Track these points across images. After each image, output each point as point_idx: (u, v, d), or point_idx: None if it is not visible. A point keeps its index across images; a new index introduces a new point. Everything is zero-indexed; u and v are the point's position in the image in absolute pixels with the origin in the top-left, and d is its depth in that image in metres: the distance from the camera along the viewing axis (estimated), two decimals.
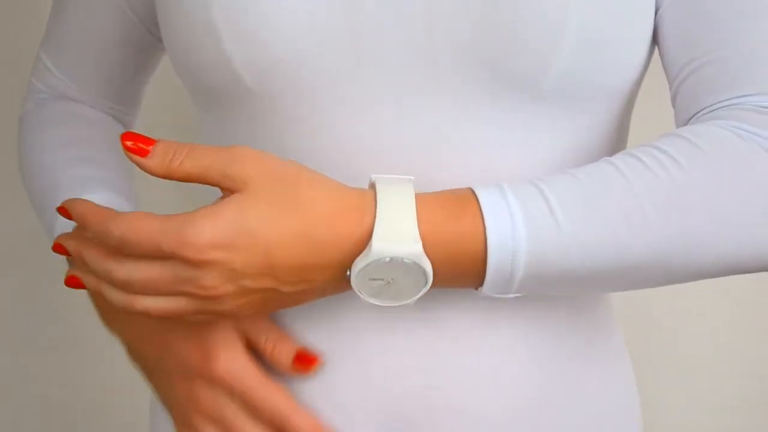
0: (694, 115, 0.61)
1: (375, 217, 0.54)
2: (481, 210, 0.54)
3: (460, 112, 0.60)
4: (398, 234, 0.53)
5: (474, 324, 0.62)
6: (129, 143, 0.55)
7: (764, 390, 1.36)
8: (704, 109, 0.61)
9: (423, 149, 0.60)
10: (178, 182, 0.55)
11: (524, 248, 0.54)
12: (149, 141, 0.55)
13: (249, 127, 0.62)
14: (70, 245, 0.59)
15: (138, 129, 1.27)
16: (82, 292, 0.63)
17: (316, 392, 0.62)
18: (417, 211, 0.54)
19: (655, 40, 0.64)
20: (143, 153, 0.55)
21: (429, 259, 0.54)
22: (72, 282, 0.60)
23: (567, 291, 0.57)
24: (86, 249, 0.58)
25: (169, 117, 1.23)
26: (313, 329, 0.63)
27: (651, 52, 0.65)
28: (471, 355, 0.62)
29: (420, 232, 0.54)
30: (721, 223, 0.55)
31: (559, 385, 0.64)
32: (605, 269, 0.55)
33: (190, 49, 0.62)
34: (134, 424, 1.29)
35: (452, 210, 0.55)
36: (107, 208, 0.57)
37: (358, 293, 0.55)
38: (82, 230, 0.59)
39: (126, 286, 0.55)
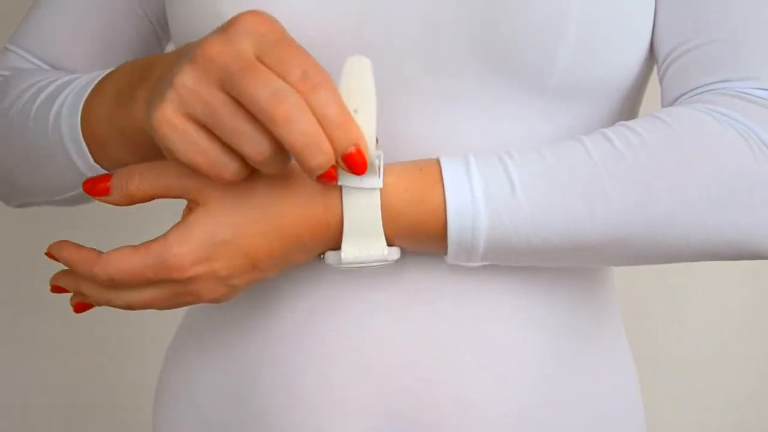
0: (678, 98, 0.61)
1: (341, 223, 0.56)
2: (443, 186, 0.56)
3: (463, 106, 0.60)
4: (366, 242, 0.56)
5: (479, 317, 0.62)
6: (89, 188, 0.58)
7: (765, 388, 1.37)
8: (688, 92, 0.61)
9: (426, 142, 0.60)
10: None
11: (484, 224, 0.55)
12: (105, 178, 0.58)
13: None
14: (68, 284, 0.62)
15: None
16: None
17: (314, 385, 0.63)
18: (381, 200, 0.56)
19: None
20: (105, 191, 0.58)
21: (394, 236, 0.57)
22: (79, 308, 0.63)
23: (532, 263, 0.59)
24: (83, 285, 0.60)
25: None
26: (315, 321, 0.63)
27: (646, 47, 0.65)
28: (475, 349, 0.62)
29: (383, 219, 0.56)
30: (685, 204, 0.55)
31: (563, 381, 0.64)
32: (565, 246, 0.56)
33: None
34: (135, 424, 1.29)
35: (416, 192, 0.56)
36: (88, 249, 0.58)
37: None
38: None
39: (129, 308, 0.59)
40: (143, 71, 0.60)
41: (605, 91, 0.62)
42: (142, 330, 1.32)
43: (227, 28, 0.52)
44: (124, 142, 0.62)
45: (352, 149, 0.52)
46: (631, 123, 0.58)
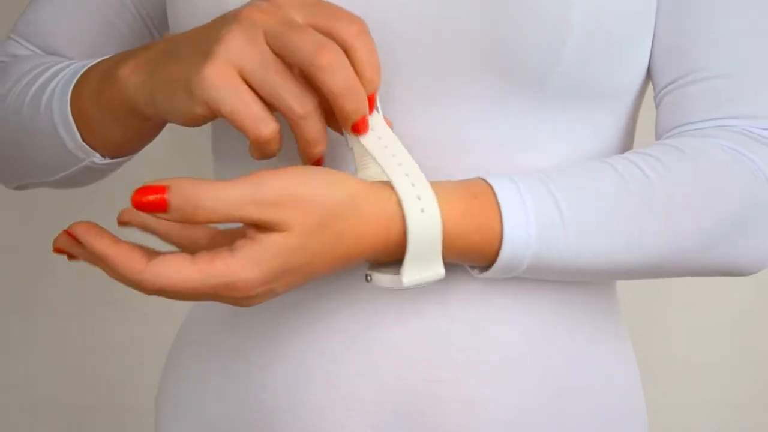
0: (678, 127, 0.64)
1: (406, 249, 0.55)
2: (501, 216, 0.57)
3: (464, 108, 0.60)
4: (424, 265, 0.56)
5: (485, 318, 0.62)
6: (139, 202, 0.51)
7: (767, 390, 1.36)
8: (691, 123, 0.63)
9: (429, 142, 0.60)
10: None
11: (532, 251, 0.57)
12: (157, 189, 0.52)
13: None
14: (79, 254, 0.57)
15: None
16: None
17: (321, 384, 0.62)
18: (442, 226, 0.56)
19: None
20: (162, 207, 0.51)
21: (444, 257, 0.56)
22: (72, 258, 0.58)
23: (560, 279, 0.61)
24: (111, 272, 0.55)
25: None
26: (321, 321, 0.63)
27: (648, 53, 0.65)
28: (481, 349, 0.62)
29: (443, 242, 0.56)
30: (710, 232, 0.60)
31: (567, 381, 0.64)
32: (599, 271, 0.59)
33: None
34: (135, 424, 1.29)
35: (473, 220, 0.57)
36: (129, 247, 0.53)
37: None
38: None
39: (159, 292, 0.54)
40: (129, 51, 0.62)
41: (605, 95, 0.63)
42: (143, 330, 1.32)
43: None
44: (110, 119, 0.62)
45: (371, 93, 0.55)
46: (655, 152, 0.61)
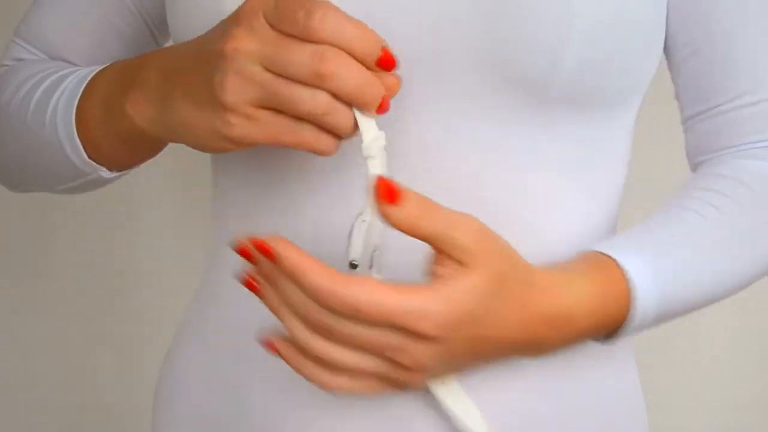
0: (724, 149, 0.68)
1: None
2: (634, 307, 0.60)
3: (464, 113, 0.60)
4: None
5: None
6: (381, 187, 0.52)
7: (766, 389, 1.36)
8: (739, 146, 0.67)
9: (428, 143, 0.60)
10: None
11: (654, 314, 0.61)
12: (397, 191, 0.52)
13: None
14: (260, 275, 0.55)
15: None
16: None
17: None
18: (569, 319, 0.58)
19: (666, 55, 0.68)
20: (394, 197, 0.52)
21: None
22: (248, 285, 0.56)
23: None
24: (288, 290, 0.54)
25: None
26: None
27: (657, 63, 0.66)
28: None
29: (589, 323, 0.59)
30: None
31: (566, 385, 0.64)
32: (691, 309, 0.65)
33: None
34: (135, 424, 1.29)
35: (602, 319, 0.59)
36: (318, 264, 0.52)
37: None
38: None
39: (325, 335, 0.53)
40: (131, 73, 0.62)
41: (607, 99, 0.63)
42: (143, 330, 1.32)
43: (239, 17, 0.54)
44: (117, 144, 0.64)
45: (380, 52, 0.54)
46: (725, 189, 0.65)
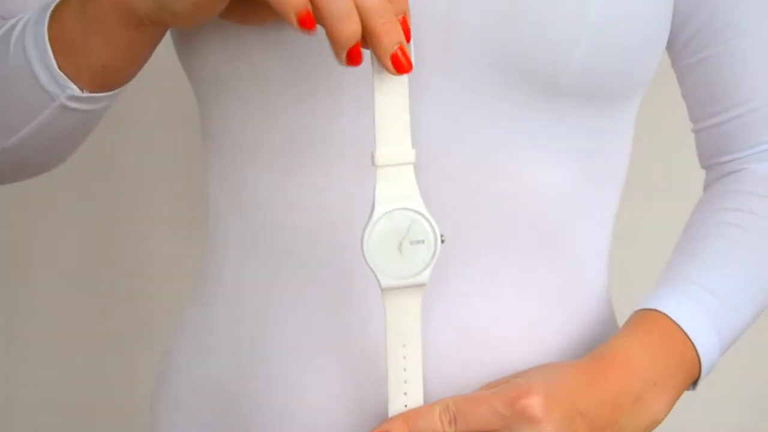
0: (735, 152, 0.70)
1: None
2: (691, 341, 0.64)
3: (475, 106, 0.60)
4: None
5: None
6: None
7: (766, 389, 1.36)
8: (747, 149, 0.69)
9: (438, 137, 0.60)
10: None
11: (719, 351, 0.66)
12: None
13: (262, 114, 0.63)
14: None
15: (139, 127, 1.27)
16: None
17: (319, 380, 0.62)
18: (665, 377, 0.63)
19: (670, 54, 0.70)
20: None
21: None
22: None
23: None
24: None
25: (169, 118, 1.23)
26: (316, 326, 0.63)
27: (660, 56, 0.66)
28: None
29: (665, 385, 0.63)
30: None
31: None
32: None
33: (205, 38, 0.62)
34: (135, 424, 1.29)
35: (683, 369, 0.64)
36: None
37: None
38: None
39: None
40: None
41: (613, 96, 0.63)
42: (143, 330, 1.32)
43: None
44: (96, 32, 0.59)
45: (402, 17, 0.53)
46: (751, 207, 0.68)
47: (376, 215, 0.55)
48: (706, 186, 0.74)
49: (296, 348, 0.63)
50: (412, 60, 0.54)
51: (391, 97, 0.55)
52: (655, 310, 0.64)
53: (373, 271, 0.56)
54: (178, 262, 1.31)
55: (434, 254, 0.56)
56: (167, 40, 0.68)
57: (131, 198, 1.30)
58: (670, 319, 0.63)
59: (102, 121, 0.68)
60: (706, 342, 0.64)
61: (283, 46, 0.60)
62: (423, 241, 0.56)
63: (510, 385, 0.58)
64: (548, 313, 0.64)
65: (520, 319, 0.63)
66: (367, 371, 0.60)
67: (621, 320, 0.71)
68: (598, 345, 0.64)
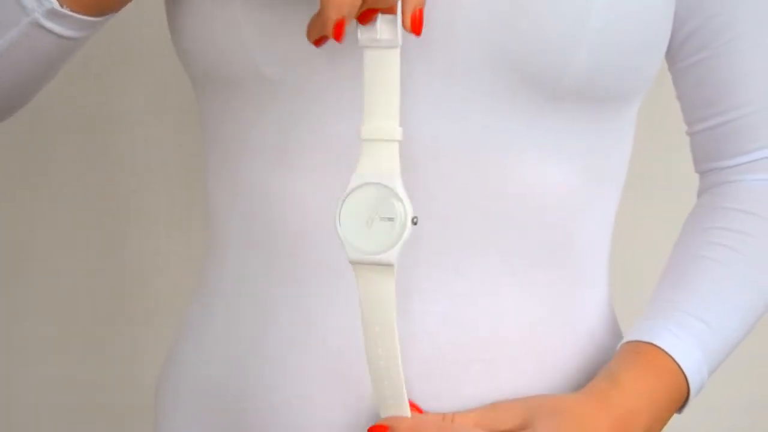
0: (730, 157, 0.70)
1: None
2: (688, 385, 0.65)
3: (476, 107, 0.60)
4: None
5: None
6: None
7: (766, 389, 1.36)
8: (743, 155, 0.69)
9: (439, 139, 0.60)
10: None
11: (707, 371, 0.67)
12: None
13: (262, 115, 0.63)
14: None
15: (140, 127, 1.28)
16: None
17: (320, 379, 0.62)
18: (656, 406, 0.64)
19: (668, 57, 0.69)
20: None
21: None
22: None
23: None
24: None
25: (169, 119, 1.23)
26: (317, 323, 0.63)
27: (661, 59, 0.67)
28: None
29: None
30: None
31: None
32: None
33: (206, 40, 0.62)
34: (135, 424, 1.29)
35: (672, 397, 0.65)
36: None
37: None
38: None
39: None
40: None
41: (615, 98, 0.63)
42: (143, 330, 1.32)
43: None
44: None
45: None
46: (742, 226, 0.68)
47: (350, 187, 0.56)
48: (700, 193, 0.73)
49: (296, 348, 0.63)
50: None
51: (381, 72, 0.55)
52: (651, 344, 0.64)
53: (341, 242, 0.56)
54: (179, 263, 1.31)
55: (402, 234, 0.55)
56: (167, 40, 0.68)
57: (131, 198, 1.30)
58: (668, 354, 0.64)
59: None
60: (698, 376, 0.65)
61: (284, 47, 0.60)
62: (393, 219, 0.55)
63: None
64: (548, 313, 0.64)
65: (520, 319, 0.63)
66: (367, 371, 0.60)
67: (621, 320, 0.71)
68: (597, 347, 0.64)
